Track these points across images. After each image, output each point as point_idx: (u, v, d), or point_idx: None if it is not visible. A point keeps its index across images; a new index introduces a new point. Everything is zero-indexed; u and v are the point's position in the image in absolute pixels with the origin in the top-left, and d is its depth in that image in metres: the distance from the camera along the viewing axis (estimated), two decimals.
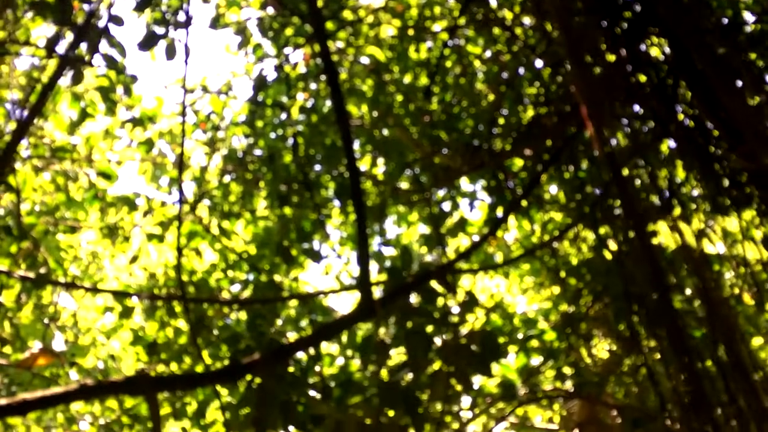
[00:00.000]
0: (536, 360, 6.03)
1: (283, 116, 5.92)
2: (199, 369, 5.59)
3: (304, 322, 5.34)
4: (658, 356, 5.73)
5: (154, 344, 5.78)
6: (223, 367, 4.29)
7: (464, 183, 6.44)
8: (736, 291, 6.16)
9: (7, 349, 6.09)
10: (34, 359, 5.10)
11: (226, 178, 6.15)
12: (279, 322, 5.41)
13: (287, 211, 5.93)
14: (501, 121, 5.90)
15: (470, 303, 4.34)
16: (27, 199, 5.30)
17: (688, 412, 5.74)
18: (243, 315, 5.35)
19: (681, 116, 4.95)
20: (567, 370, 5.98)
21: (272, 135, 5.93)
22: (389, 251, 6.63)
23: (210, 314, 5.38)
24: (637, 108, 5.19)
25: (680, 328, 5.43)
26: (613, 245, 5.78)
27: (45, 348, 5.16)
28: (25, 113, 5.16)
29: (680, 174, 5.44)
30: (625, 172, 5.35)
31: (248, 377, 4.43)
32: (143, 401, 6.03)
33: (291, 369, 4.51)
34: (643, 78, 4.88)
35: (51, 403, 3.11)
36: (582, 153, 5.67)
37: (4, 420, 5.71)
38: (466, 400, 5.59)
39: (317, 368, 4.65)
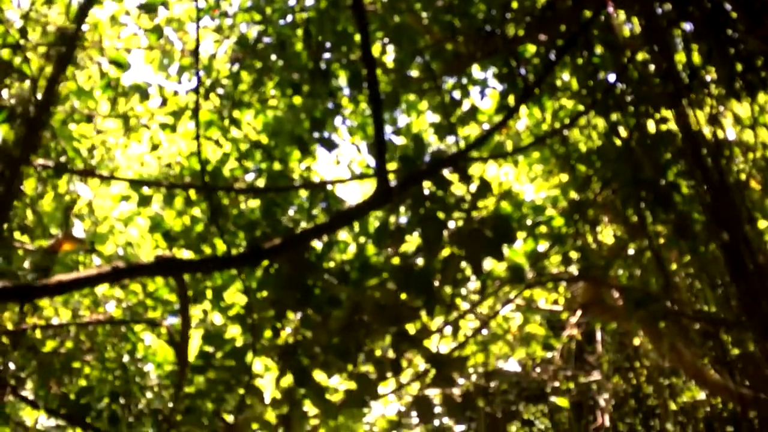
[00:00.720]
0: (543, 246, 6.18)
1: (293, 1, 5.80)
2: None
3: (316, 211, 5.46)
4: (663, 241, 5.89)
5: (171, 232, 5.94)
6: (246, 250, 4.44)
7: (475, 70, 6.38)
8: (743, 177, 6.24)
9: (25, 238, 6.26)
10: (60, 245, 5.28)
11: (236, 67, 6.09)
12: (292, 210, 5.53)
13: (298, 100, 5.93)
14: (514, 5, 5.77)
15: (483, 189, 4.43)
16: (40, 88, 5.28)
17: (691, 293, 5.96)
18: (258, 204, 5.46)
19: None
20: (573, 255, 6.14)
21: (282, 22, 5.83)
22: (400, 140, 6.66)
23: (225, 203, 5.50)
24: None
25: (685, 214, 5.55)
26: (623, 132, 5.80)
27: (69, 234, 5.31)
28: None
29: (696, 59, 5.38)
30: (641, 56, 5.30)
31: (266, 262, 4.61)
32: (165, 285, 6.29)
33: (307, 255, 4.67)
34: None
35: (85, 284, 3.27)
36: (596, 38, 5.59)
37: (35, 302, 5.98)
38: (474, 284, 5.78)
39: (333, 254, 4.81)
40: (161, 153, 6.47)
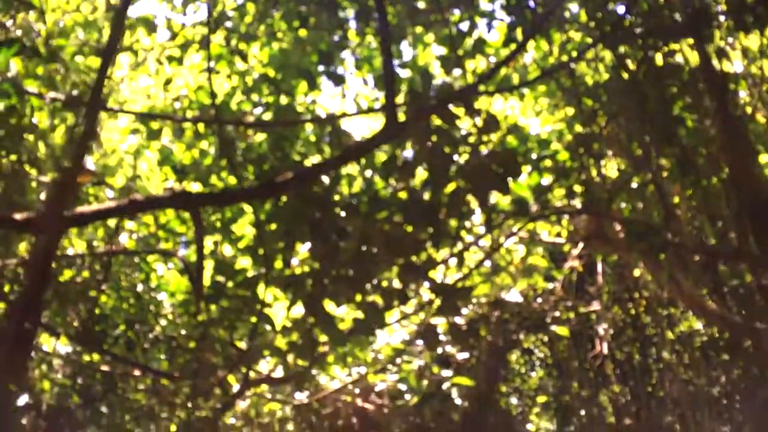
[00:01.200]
0: (548, 179, 6.24)
1: None
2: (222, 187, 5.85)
3: (324, 145, 5.50)
4: (666, 174, 5.95)
5: (181, 165, 6.02)
6: (258, 184, 4.52)
7: (483, 2, 6.30)
8: (749, 110, 6.25)
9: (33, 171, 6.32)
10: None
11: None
12: (300, 144, 5.58)
13: (304, 32, 5.89)
14: None
15: (489, 124, 4.47)
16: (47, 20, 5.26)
17: (692, 226, 6.05)
18: (266, 137, 5.50)
19: None
20: (577, 188, 6.20)
21: None
22: (406, 73, 6.63)
23: (233, 136, 5.54)
24: None
25: (690, 147, 5.60)
26: (631, 65, 5.79)
27: (82, 167, 5.37)
28: None
29: None
30: None
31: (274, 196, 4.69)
32: (176, 218, 6.41)
33: (316, 188, 4.75)
34: None
35: (105, 216, 3.37)
36: None
37: None
38: (479, 217, 5.87)
39: (341, 187, 4.88)
40: (169, 86, 6.46)
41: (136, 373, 6.62)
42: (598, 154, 6.28)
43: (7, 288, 6.49)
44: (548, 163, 6.04)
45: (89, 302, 6.07)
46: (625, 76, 5.83)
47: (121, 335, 6.67)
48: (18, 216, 3.82)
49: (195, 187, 6.08)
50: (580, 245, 7.72)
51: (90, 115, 4.27)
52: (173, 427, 6.84)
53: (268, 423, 8.41)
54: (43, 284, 4.14)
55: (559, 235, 7.70)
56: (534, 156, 6.10)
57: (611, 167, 6.79)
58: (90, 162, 6.51)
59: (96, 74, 4.37)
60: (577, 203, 6.43)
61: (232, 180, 5.56)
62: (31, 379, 6.30)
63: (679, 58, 5.80)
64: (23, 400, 6.00)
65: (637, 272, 8.38)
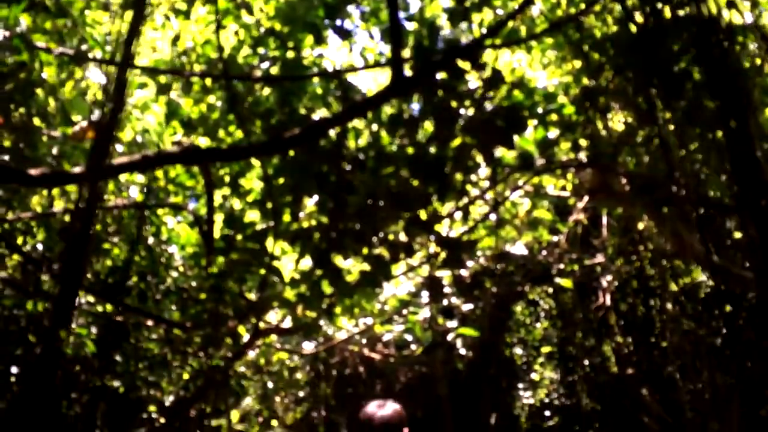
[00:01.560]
0: (554, 133, 6.25)
1: None
2: (231, 142, 5.90)
3: (331, 99, 5.52)
4: (672, 127, 5.96)
5: (188, 120, 6.06)
6: (266, 139, 4.57)
7: None
8: (758, 62, 6.22)
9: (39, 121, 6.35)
10: (84, 132, 5.41)
11: None
12: (307, 98, 5.59)
13: None
14: None
15: (495, 79, 4.49)
16: None
17: (697, 180, 6.09)
18: (273, 92, 5.51)
19: None
20: (582, 142, 6.22)
21: None
22: (411, 26, 6.59)
23: (241, 90, 5.56)
24: None
25: (696, 101, 5.60)
26: (639, 18, 5.75)
27: (92, 122, 5.43)
28: None
29: None
30: None
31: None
32: (185, 171, 6.48)
33: (323, 143, 4.80)
34: None
35: (118, 171, 3.45)
36: None
37: (64, 186, 6.21)
38: (485, 171, 5.92)
39: (348, 142, 4.93)
40: (178, 42, 6.45)
41: (149, 323, 6.80)
42: (604, 108, 6.29)
43: (20, 240, 6.63)
44: (554, 117, 6.04)
45: (101, 255, 6.20)
46: (633, 29, 5.80)
47: (133, 287, 6.82)
48: (69, 170, 3.95)
49: (203, 141, 6.13)
50: (585, 199, 7.77)
51: (122, 72, 4.32)
52: (186, 375, 7.06)
53: (277, 371, 8.65)
54: (88, 234, 4.29)
55: (564, 188, 7.75)
56: (540, 110, 6.10)
57: (617, 121, 6.79)
58: (98, 116, 6.56)
59: (127, 29, 4.40)
60: (583, 157, 6.46)
61: (240, 134, 5.60)
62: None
63: (687, 11, 5.75)
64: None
65: (641, 225, 8.44)
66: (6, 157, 5.95)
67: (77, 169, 3.17)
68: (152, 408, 6.96)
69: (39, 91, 5.75)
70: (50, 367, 4.52)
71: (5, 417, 5.59)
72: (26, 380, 5.72)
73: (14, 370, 6.04)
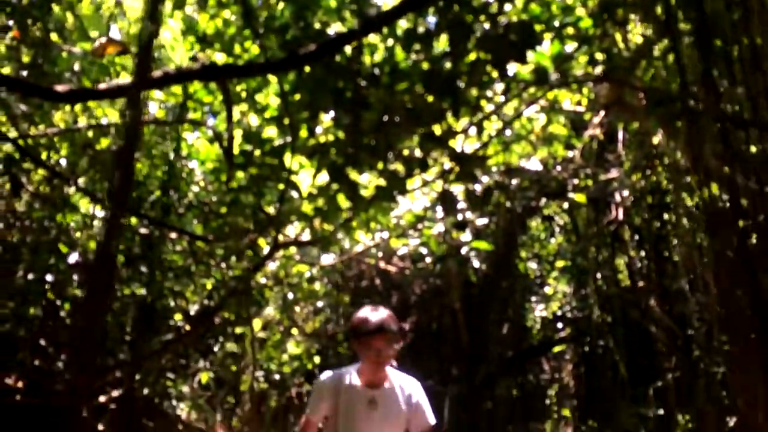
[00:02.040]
0: (570, 47, 6.19)
1: None
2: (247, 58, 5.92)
3: (347, 13, 5.49)
4: (690, 40, 5.89)
5: (204, 35, 6.07)
6: (282, 56, 4.61)
7: None
8: None
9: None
10: (104, 48, 5.47)
11: None
12: (322, 13, 5.57)
13: None
14: None
15: None
16: None
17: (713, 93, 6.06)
18: (287, 5, 5.49)
19: None
20: (599, 56, 6.17)
21: None
22: None
23: (255, 4, 5.54)
24: None
25: (714, 13, 5.52)
26: None
27: (111, 38, 5.47)
28: None
29: None
30: None
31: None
32: (203, 88, 6.55)
33: (339, 58, 4.82)
34: None
35: (139, 88, 3.55)
36: None
37: (86, 104, 6.31)
38: (500, 86, 5.92)
39: (363, 57, 4.95)
40: None
41: (173, 235, 7.03)
42: (622, 21, 6.20)
43: (44, 155, 6.80)
44: (571, 30, 5.98)
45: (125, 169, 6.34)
46: None
47: (156, 201, 7.01)
48: (104, 86, 4.09)
49: (219, 57, 6.16)
50: (602, 113, 7.75)
51: None
52: (209, 285, 7.35)
53: (297, 283, 8.94)
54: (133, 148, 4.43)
55: (579, 103, 7.73)
56: (557, 23, 6.03)
57: (635, 34, 6.70)
58: (116, 31, 6.60)
59: None
60: (599, 70, 6.41)
61: (256, 49, 5.62)
62: (80, 239, 6.73)
63: None
64: (73, 258, 6.45)
65: (656, 140, 8.42)
66: (25, 73, 6.03)
67: (102, 86, 3.27)
68: (178, 316, 7.29)
69: (56, 7, 5.77)
70: (107, 272, 4.78)
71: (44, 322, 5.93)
72: (59, 288, 6.02)
73: (49, 278, 6.33)
